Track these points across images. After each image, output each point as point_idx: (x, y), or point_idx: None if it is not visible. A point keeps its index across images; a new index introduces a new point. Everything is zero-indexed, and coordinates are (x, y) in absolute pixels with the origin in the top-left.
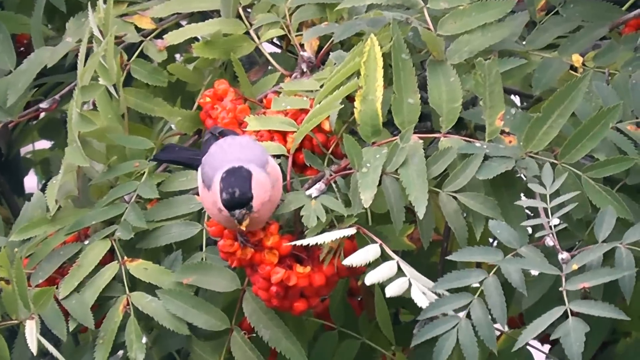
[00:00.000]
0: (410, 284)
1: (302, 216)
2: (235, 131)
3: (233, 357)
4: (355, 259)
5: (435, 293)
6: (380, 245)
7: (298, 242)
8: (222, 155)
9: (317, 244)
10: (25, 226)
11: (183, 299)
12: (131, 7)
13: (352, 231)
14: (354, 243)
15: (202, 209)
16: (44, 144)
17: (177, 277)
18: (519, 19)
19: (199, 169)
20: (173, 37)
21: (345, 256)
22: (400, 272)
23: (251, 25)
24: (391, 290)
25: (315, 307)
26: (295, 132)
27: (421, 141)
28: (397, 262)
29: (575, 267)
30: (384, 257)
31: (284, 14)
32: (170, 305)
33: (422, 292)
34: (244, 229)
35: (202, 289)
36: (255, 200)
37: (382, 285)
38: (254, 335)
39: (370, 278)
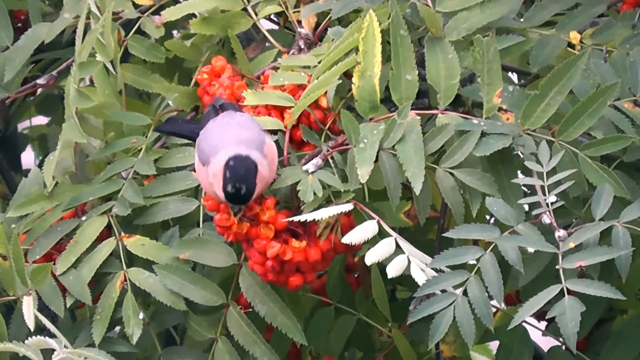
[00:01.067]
0: (409, 261)
1: (299, 191)
2: (235, 105)
3: (229, 332)
4: (353, 237)
5: (433, 269)
6: (378, 222)
7: (295, 218)
8: (220, 134)
9: (313, 219)
10: (23, 202)
11: (180, 274)
12: None
13: (349, 207)
14: (351, 219)
15: (199, 185)
16: (41, 120)
17: (173, 253)
18: None
19: (196, 143)
20: (170, 14)
21: (342, 231)
22: (398, 249)
23: (249, 1)
24: (392, 270)
25: (311, 283)
26: (293, 107)
27: (419, 117)
28: (395, 239)
29: (572, 245)
30: (381, 234)
31: None
32: (167, 280)
33: (421, 269)
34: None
35: (199, 265)
36: (255, 194)
37: (379, 263)
38: (251, 310)
39: (370, 257)
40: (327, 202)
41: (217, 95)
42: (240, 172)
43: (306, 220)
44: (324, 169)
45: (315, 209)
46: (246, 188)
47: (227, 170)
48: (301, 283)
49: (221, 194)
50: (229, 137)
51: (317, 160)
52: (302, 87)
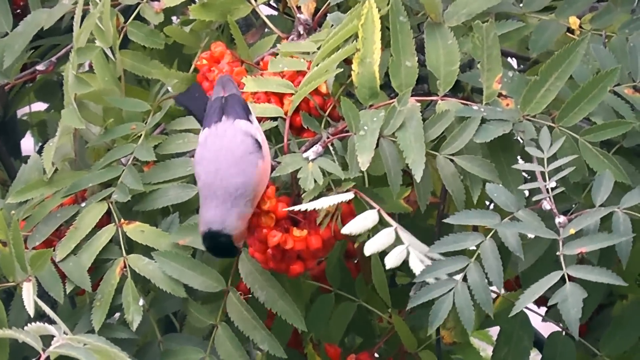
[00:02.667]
0: (408, 252)
1: (299, 179)
2: (237, 93)
3: (230, 319)
4: (354, 227)
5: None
6: (378, 211)
7: (296, 208)
8: (212, 178)
9: (314, 208)
10: (22, 188)
11: (179, 260)
12: None
13: (349, 196)
14: (352, 206)
15: None
16: (40, 106)
17: (173, 239)
18: None
19: (194, 158)
20: (170, 0)
21: (343, 219)
22: (398, 239)
23: None
24: (390, 261)
25: (311, 270)
26: (293, 94)
27: (418, 104)
28: (395, 229)
29: (572, 231)
30: (381, 223)
31: None
32: (167, 267)
33: (420, 259)
34: None
35: (198, 252)
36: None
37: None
38: (251, 297)
39: (370, 248)
40: (327, 189)
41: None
42: (216, 250)
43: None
44: (324, 156)
45: (315, 197)
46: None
47: (205, 242)
48: (302, 270)
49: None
50: (216, 190)
51: (318, 148)
52: (301, 73)
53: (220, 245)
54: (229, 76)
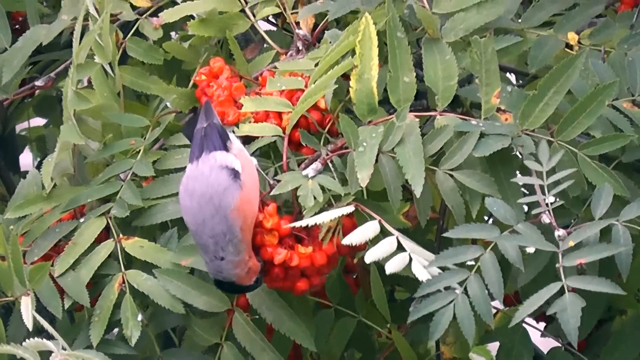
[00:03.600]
0: (410, 259)
1: (299, 196)
2: (217, 124)
3: (234, 337)
4: (355, 238)
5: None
6: (379, 222)
7: (298, 224)
8: (202, 231)
9: (316, 223)
10: (21, 204)
11: (182, 279)
12: None
13: (350, 209)
14: (353, 220)
15: None
16: (39, 122)
17: (175, 259)
18: None
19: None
20: (168, 15)
21: (345, 234)
22: (400, 248)
23: (246, 2)
24: (391, 267)
25: (317, 287)
26: (291, 112)
27: (417, 119)
28: (397, 238)
29: (571, 243)
30: (383, 233)
31: None
32: (170, 286)
33: (422, 266)
34: None
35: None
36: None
37: (378, 263)
38: (257, 317)
39: (371, 255)
40: (328, 205)
41: (215, 97)
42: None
43: (309, 224)
44: (323, 173)
45: (316, 213)
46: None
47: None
48: (307, 288)
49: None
50: (206, 241)
51: (317, 165)
52: (299, 89)
53: (231, 289)
54: (209, 102)
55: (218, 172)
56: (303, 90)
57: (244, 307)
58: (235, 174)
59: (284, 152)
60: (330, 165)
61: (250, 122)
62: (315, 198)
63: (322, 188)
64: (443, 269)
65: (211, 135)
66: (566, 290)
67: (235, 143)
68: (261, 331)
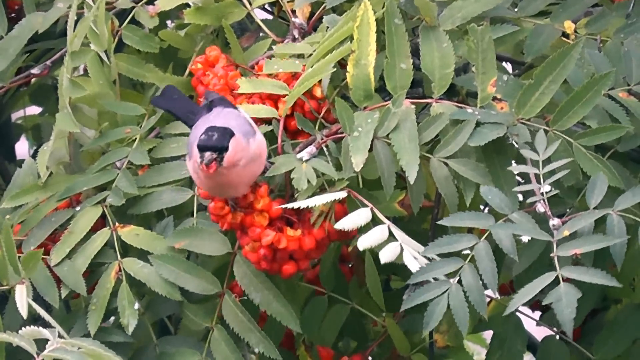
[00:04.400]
0: (402, 249)
1: (293, 179)
2: (226, 99)
3: (225, 321)
4: (347, 223)
5: (426, 257)
6: (371, 209)
7: (289, 205)
8: (206, 123)
9: (307, 207)
10: (17, 193)
11: (175, 263)
12: None
13: (343, 194)
14: (345, 207)
15: None
16: (34, 110)
17: (169, 242)
18: None
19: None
20: (164, 3)
21: (336, 220)
22: (391, 237)
23: None
24: (385, 256)
25: (305, 271)
26: (287, 95)
27: (413, 106)
28: (388, 226)
29: (566, 233)
30: (374, 222)
31: None
32: (163, 270)
33: (413, 256)
34: (211, 171)
35: (193, 254)
36: (229, 154)
37: (373, 252)
38: (245, 298)
39: (363, 243)
40: (321, 190)
41: (211, 86)
42: (213, 131)
43: (300, 208)
44: (318, 157)
45: (309, 197)
46: (217, 137)
47: (202, 134)
48: (294, 271)
49: (197, 157)
50: (214, 122)
51: (312, 149)
52: (296, 76)
53: (221, 132)
54: (213, 92)
55: (238, 113)
56: (299, 76)
57: (238, 293)
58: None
59: (279, 135)
60: (325, 149)
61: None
62: (308, 181)
63: (316, 172)
64: (438, 257)
65: (220, 101)
66: (561, 281)
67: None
68: (255, 317)
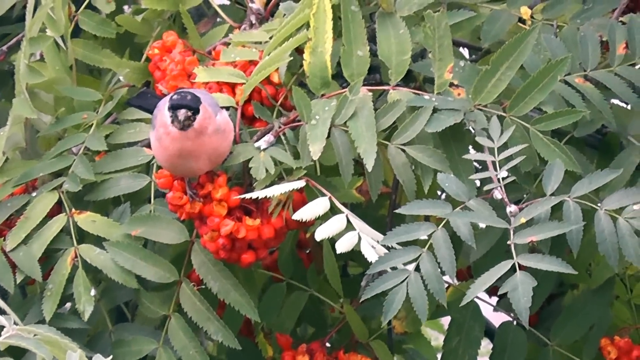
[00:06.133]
0: (359, 238)
1: (251, 168)
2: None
3: (182, 309)
4: (305, 213)
5: (385, 246)
6: (329, 198)
7: (247, 196)
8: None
9: (266, 196)
10: None
11: (131, 251)
12: None
13: (301, 184)
14: (303, 195)
15: (150, 161)
16: None
17: (125, 229)
18: None
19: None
20: None
21: (295, 208)
22: (349, 226)
23: None
24: (341, 246)
25: (263, 259)
26: (244, 83)
27: (370, 93)
28: (347, 216)
29: (523, 220)
30: (333, 210)
31: None
32: (119, 257)
33: (371, 245)
34: (185, 130)
35: (150, 242)
36: (200, 117)
37: (331, 238)
38: (204, 287)
39: (321, 233)
40: (279, 178)
41: (168, 71)
42: (183, 93)
43: (258, 197)
44: (276, 145)
45: (267, 186)
46: (190, 97)
47: (172, 96)
48: (253, 260)
49: (168, 122)
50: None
51: (269, 137)
52: (253, 62)
53: (192, 95)
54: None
55: (204, 91)
56: (256, 64)
57: (196, 281)
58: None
59: (237, 124)
60: (282, 138)
61: None
62: (267, 170)
63: (274, 160)
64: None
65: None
66: (517, 269)
67: None
68: (213, 306)
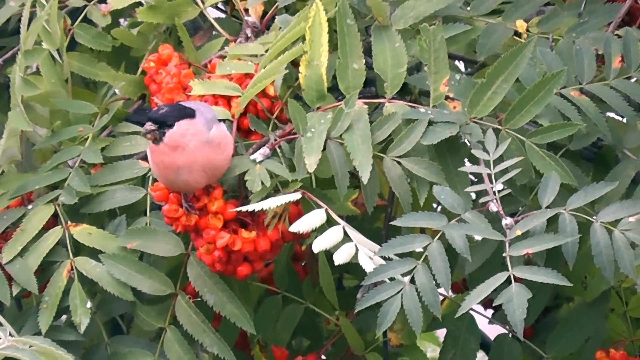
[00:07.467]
0: (357, 249)
1: (247, 181)
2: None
3: (178, 321)
4: (301, 225)
5: (382, 257)
6: (326, 210)
7: (243, 208)
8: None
9: (262, 208)
10: None
11: (127, 263)
12: None
13: (297, 196)
14: (299, 207)
15: (146, 174)
16: None
17: (121, 242)
18: None
19: None
20: (117, 2)
21: (291, 220)
22: (346, 238)
23: None
24: (339, 257)
25: (259, 272)
26: (240, 96)
27: (366, 106)
28: (343, 227)
29: (518, 233)
30: (329, 222)
31: None
32: (114, 270)
33: (368, 256)
34: (151, 143)
35: (146, 254)
36: (173, 132)
37: (326, 250)
38: (199, 299)
39: (318, 245)
40: (275, 191)
41: (163, 84)
42: (167, 106)
43: (254, 210)
44: (271, 158)
45: (263, 198)
46: (166, 111)
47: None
48: (249, 272)
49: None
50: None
51: (265, 150)
52: (249, 75)
53: (174, 108)
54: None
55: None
56: (252, 76)
57: (192, 294)
58: None
59: (232, 136)
60: (278, 150)
61: None
62: (262, 183)
63: (270, 173)
64: (391, 258)
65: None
66: (512, 281)
67: None
68: (209, 318)
